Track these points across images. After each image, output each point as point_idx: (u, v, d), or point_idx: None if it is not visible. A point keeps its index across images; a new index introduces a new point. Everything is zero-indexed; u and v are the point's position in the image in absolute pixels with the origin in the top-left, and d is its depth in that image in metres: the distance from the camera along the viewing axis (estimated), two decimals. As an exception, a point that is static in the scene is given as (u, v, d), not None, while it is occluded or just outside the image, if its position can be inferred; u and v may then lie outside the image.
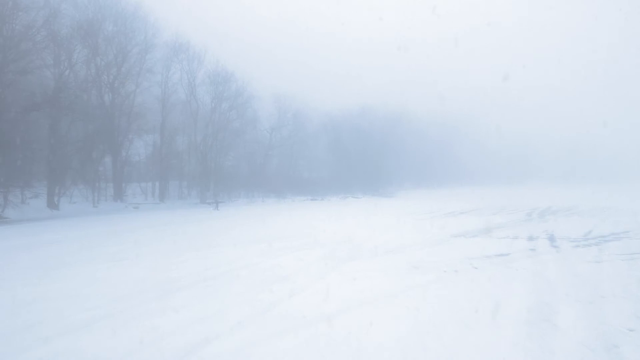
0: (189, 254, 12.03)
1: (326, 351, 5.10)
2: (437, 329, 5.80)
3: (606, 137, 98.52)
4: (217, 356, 5.00)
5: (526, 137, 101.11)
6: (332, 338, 5.49)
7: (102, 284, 8.51)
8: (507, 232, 16.40)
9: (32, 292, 7.88)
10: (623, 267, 9.89)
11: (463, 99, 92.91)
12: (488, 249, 12.59)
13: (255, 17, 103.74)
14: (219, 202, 32.76)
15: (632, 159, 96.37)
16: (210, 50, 37.11)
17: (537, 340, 5.39)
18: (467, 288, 7.94)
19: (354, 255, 11.59)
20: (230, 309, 6.79)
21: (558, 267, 9.89)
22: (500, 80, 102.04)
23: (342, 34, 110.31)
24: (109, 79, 32.03)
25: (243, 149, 43.97)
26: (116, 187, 32.61)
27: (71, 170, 28.26)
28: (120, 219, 23.40)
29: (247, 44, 79.97)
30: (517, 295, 7.44)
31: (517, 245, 13.17)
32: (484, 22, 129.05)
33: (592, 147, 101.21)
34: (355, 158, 56.46)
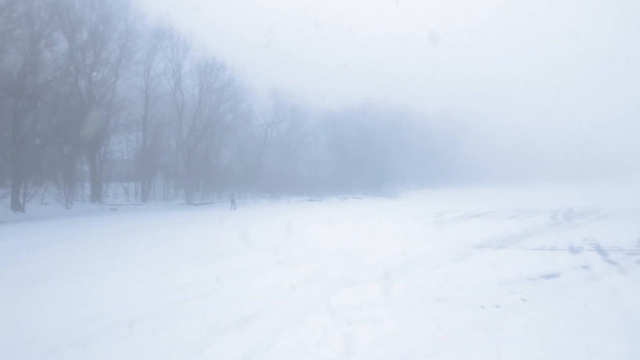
0: (133, 273, 9.12)
1: None
2: None
3: (613, 135, 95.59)
4: None
5: (532, 135, 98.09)
6: None
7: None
8: (539, 241, 13.45)
9: None
10: None
11: (469, 95, 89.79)
12: (527, 266, 9.64)
13: (250, 9, 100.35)
14: (234, 201, 30.89)
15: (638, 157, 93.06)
16: (198, 38, 34.05)
17: None
18: (527, 344, 4.99)
19: (351, 277, 8.65)
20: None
21: (642, 299, 6.93)
22: (505, 76, 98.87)
23: (341, 27, 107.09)
24: (85, 67, 29.13)
25: (236, 146, 41.02)
26: (93, 186, 29.71)
27: (38, 167, 25.41)
28: (87, 223, 20.53)
29: (241, 36, 76.77)
30: (618, 363, 4.50)
31: (561, 261, 10.21)
32: (488, 15, 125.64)
33: (597, 146, 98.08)
34: (357, 156, 53.48)
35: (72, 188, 28.43)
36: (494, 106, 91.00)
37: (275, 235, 15.54)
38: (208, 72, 34.01)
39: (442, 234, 15.55)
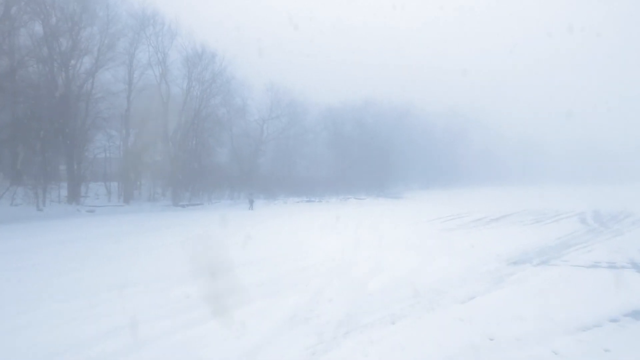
0: (46, 306, 6.50)
1: None
2: None
3: (620, 135, 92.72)
4: None
5: (539, 134, 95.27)
6: None
7: None
8: (587, 254, 10.82)
9: None
10: None
11: (474, 93, 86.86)
12: (595, 296, 7.02)
13: (245, 1, 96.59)
14: (252, 202, 29.69)
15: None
16: (186, 26, 31.40)
17: None
18: None
19: (352, 316, 6.04)
20: None
21: None
22: (512, 73, 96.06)
23: (341, 21, 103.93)
24: (62, 54, 26.52)
25: (230, 143, 38.38)
26: (70, 186, 27.08)
27: (5, 164, 22.84)
28: (45, 228, 17.95)
29: (235, 29, 73.53)
30: None
31: (637, 286, 7.57)
32: (494, 10, 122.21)
33: (602, 145, 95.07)
34: (358, 155, 50.76)
35: (46, 188, 25.84)
36: (501, 104, 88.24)
37: (260, 246, 12.91)
38: (197, 62, 31.31)
39: (462, 244, 12.90)
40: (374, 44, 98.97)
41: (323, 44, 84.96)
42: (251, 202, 29.36)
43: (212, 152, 36.14)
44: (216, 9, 79.46)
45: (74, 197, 27.37)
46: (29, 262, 10.08)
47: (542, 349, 4.84)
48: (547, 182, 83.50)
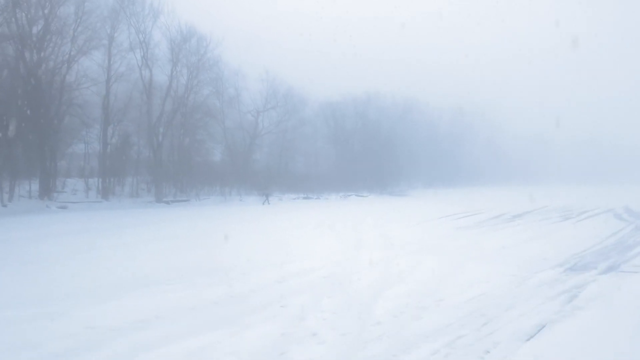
0: None
1: None
2: None
3: (628, 132, 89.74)
4: None
5: (544, 133, 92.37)
6: None
7: None
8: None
9: None
10: None
11: (479, 91, 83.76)
12: None
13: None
14: (267, 196, 29.58)
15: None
16: (170, 4, 28.21)
17: None
18: None
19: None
20: None
21: None
22: (517, 70, 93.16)
23: (342, 10, 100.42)
24: (33, 38, 24.01)
25: (222, 136, 35.80)
26: (42, 180, 24.57)
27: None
28: None
29: (228, 10, 69.87)
30: None
31: None
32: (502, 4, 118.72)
33: (606, 143, 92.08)
34: (360, 150, 48.15)
35: (14, 181, 23.38)
36: (508, 99, 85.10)
37: (237, 248, 10.37)
38: (182, 44, 28.49)
39: (489, 244, 10.34)
40: (377, 36, 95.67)
41: (323, 34, 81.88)
42: (267, 196, 29.37)
43: (201, 144, 33.56)
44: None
45: (46, 192, 24.82)
46: None
47: None
48: (555, 181, 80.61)
